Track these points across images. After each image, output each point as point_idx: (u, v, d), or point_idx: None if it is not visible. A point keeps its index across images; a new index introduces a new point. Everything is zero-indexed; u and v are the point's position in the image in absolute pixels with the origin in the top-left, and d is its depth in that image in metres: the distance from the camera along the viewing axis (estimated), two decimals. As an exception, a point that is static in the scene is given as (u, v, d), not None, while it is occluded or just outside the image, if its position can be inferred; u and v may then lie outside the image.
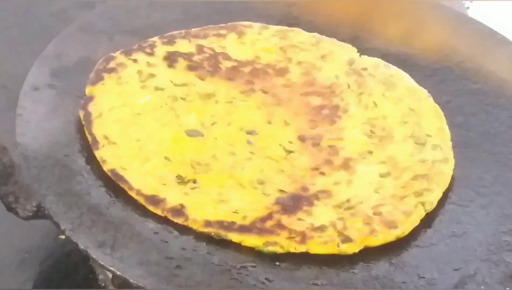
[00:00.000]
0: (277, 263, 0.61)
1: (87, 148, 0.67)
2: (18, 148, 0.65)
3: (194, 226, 0.63)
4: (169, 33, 0.78)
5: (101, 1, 0.82)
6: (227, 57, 0.77)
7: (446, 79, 0.78)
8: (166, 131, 0.70)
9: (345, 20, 0.83)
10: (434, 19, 0.83)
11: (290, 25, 0.81)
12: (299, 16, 0.83)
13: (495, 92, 0.76)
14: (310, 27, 0.81)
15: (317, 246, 0.62)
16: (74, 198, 0.63)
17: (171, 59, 0.76)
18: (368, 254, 0.62)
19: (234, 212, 0.64)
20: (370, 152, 0.70)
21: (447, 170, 0.69)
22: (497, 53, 0.80)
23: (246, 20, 0.81)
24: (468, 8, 1.03)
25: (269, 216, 0.64)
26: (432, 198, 0.66)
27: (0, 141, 0.64)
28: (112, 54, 0.75)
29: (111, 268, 0.59)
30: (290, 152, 0.70)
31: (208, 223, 0.63)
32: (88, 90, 0.71)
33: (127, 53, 0.75)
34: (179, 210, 0.63)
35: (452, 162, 0.70)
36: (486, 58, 0.79)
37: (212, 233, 0.62)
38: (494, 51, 0.80)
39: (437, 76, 0.78)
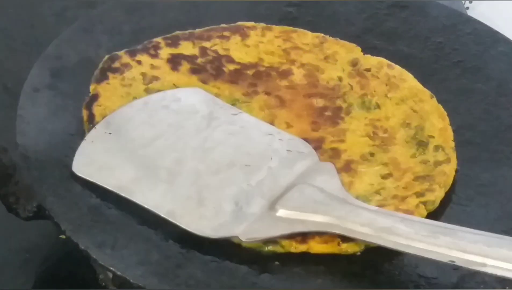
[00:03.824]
0: (277, 263, 0.61)
1: (88, 149, 0.67)
2: (18, 149, 0.65)
3: (195, 225, 0.63)
4: (173, 34, 0.78)
5: (102, 2, 0.82)
6: (230, 60, 0.77)
7: (446, 79, 0.78)
8: (168, 133, 0.70)
9: (345, 20, 0.83)
10: (434, 18, 0.83)
11: (290, 25, 0.81)
12: (299, 16, 0.83)
13: (495, 91, 0.76)
14: (310, 27, 0.81)
15: (317, 245, 0.62)
16: (75, 198, 0.63)
17: (174, 62, 0.76)
18: (368, 253, 0.62)
19: (235, 212, 0.64)
20: (372, 154, 0.70)
21: (449, 170, 0.69)
22: (497, 52, 0.80)
23: (247, 20, 0.81)
24: (467, 8, 1.03)
25: (271, 217, 0.64)
26: (434, 198, 0.66)
27: (0, 141, 0.64)
28: (117, 53, 0.75)
29: (111, 268, 0.59)
30: (293, 153, 0.70)
31: (209, 222, 0.63)
32: (93, 87, 0.72)
33: (132, 53, 0.75)
34: None
35: (454, 162, 0.69)
36: (486, 57, 0.79)
37: (213, 232, 0.62)
38: (494, 50, 0.80)
39: (437, 75, 0.78)
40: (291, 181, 0.65)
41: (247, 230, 0.61)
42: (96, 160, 0.66)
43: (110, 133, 0.67)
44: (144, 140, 0.67)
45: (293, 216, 0.62)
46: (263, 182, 0.65)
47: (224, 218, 0.62)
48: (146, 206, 0.62)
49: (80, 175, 0.64)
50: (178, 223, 0.62)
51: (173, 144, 0.67)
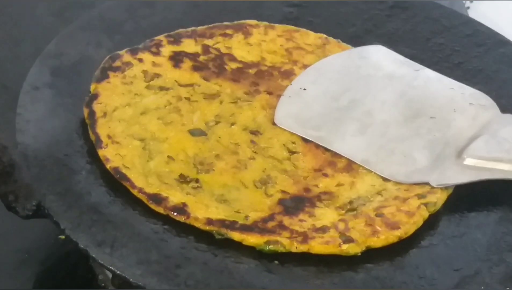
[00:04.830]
0: (276, 262, 0.61)
1: (87, 147, 0.67)
2: (18, 148, 0.65)
3: (196, 224, 0.62)
4: (176, 32, 0.78)
5: (101, 1, 0.82)
6: (232, 59, 0.77)
7: (446, 79, 0.78)
8: (169, 130, 0.70)
9: (345, 21, 0.83)
10: (434, 20, 0.83)
11: (291, 25, 0.81)
12: (299, 17, 0.83)
13: (495, 92, 0.76)
14: (311, 28, 0.81)
15: (318, 246, 0.62)
16: (74, 197, 0.63)
17: (176, 59, 0.76)
18: (369, 254, 0.62)
19: (236, 211, 0.64)
20: None
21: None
22: (498, 54, 0.80)
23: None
24: (468, 8, 1.03)
25: (271, 217, 0.64)
26: (435, 200, 0.65)
27: (0, 140, 0.64)
28: (118, 52, 0.75)
29: (110, 267, 0.59)
30: (294, 152, 0.70)
31: (209, 221, 0.63)
32: (93, 87, 0.71)
33: (133, 51, 0.75)
34: (181, 209, 0.63)
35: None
36: (487, 58, 0.79)
37: (214, 231, 0.62)
38: (495, 52, 0.80)
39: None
40: (474, 132, 0.69)
41: (438, 177, 0.66)
42: (295, 113, 0.72)
43: (304, 89, 0.74)
44: (335, 94, 0.74)
45: (480, 164, 0.66)
46: (449, 133, 0.69)
47: (415, 166, 0.68)
48: (343, 154, 0.69)
49: (281, 126, 0.71)
50: (372, 170, 0.68)
51: (362, 98, 0.73)
